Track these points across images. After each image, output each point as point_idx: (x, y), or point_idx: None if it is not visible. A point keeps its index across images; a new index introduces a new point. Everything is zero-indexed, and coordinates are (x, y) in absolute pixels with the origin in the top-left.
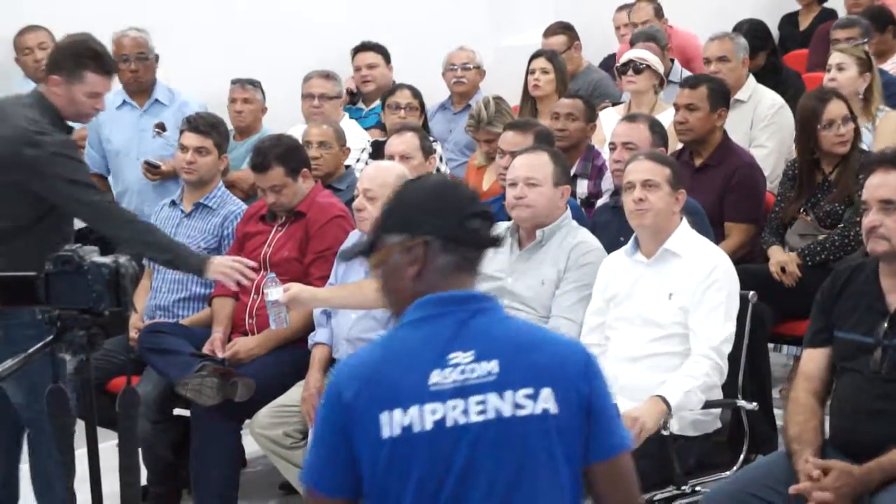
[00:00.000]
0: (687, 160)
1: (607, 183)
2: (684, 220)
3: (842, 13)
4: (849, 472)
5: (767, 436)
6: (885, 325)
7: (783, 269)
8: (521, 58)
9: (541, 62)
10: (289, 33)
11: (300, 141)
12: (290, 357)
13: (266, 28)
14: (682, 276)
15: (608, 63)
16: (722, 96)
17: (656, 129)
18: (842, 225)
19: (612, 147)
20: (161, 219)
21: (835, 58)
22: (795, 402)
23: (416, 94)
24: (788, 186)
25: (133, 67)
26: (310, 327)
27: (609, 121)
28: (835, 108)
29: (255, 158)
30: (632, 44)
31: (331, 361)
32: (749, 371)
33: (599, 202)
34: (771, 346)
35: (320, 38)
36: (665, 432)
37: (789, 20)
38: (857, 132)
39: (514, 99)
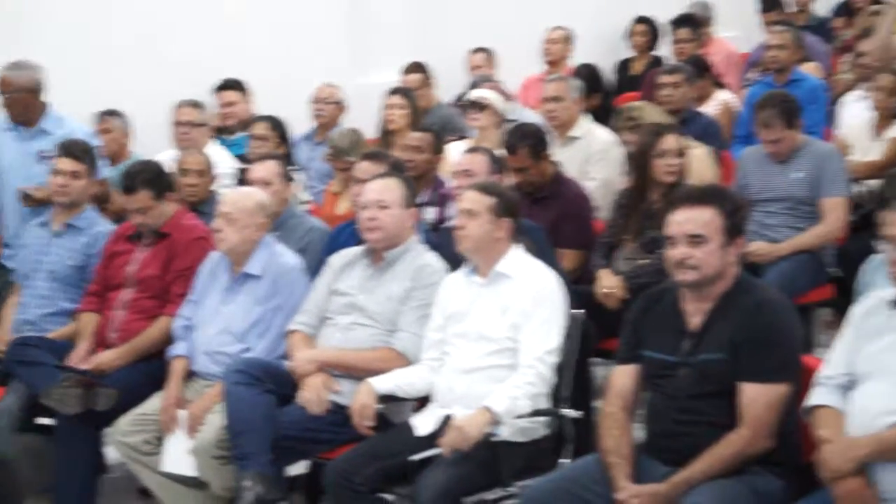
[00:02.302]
0: (526, 191)
1: (452, 210)
2: (516, 245)
3: (669, 60)
4: (655, 493)
5: (590, 442)
6: (688, 344)
7: (608, 294)
8: (380, 94)
9: (396, 98)
10: (162, 66)
11: (173, 167)
12: (151, 368)
13: (139, 61)
14: (513, 295)
15: (459, 101)
16: (539, 144)
17: (494, 159)
18: (661, 251)
19: (455, 176)
20: (31, 238)
21: None
22: (610, 416)
23: (275, 125)
24: (618, 214)
25: (4, 102)
26: (169, 340)
27: (457, 153)
28: (669, 141)
29: (123, 182)
30: (473, 86)
31: (189, 373)
32: (575, 383)
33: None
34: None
35: (191, 69)
36: (494, 439)
37: (623, 66)
38: (684, 169)
39: (372, 131)
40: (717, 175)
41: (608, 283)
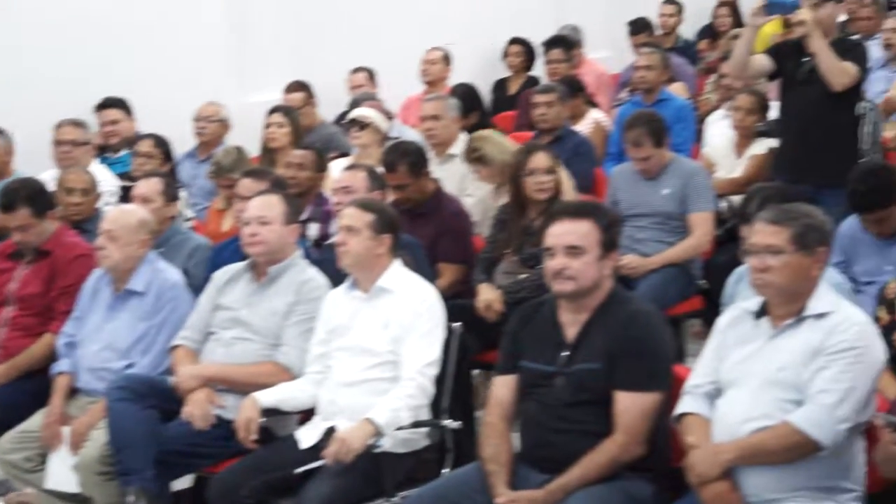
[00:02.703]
0: (406, 207)
1: (336, 226)
2: (397, 260)
3: (544, 80)
4: (533, 499)
5: (472, 452)
6: (565, 354)
7: (488, 307)
8: (264, 112)
9: (277, 117)
10: (45, 84)
11: (55, 185)
12: (34, 386)
13: (22, 79)
14: (394, 309)
15: (341, 119)
16: (418, 161)
17: (374, 175)
18: (540, 266)
19: (335, 193)
20: None
21: None
22: (490, 426)
23: (160, 143)
24: (498, 230)
25: None
26: (53, 357)
27: (339, 170)
28: (538, 160)
29: (2, 199)
30: (353, 105)
31: (73, 390)
32: (456, 394)
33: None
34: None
35: (74, 87)
36: (377, 450)
37: (500, 85)
38: (558, 185)
39: (257, 149)
40: (572, 187)
41: (488, 297)
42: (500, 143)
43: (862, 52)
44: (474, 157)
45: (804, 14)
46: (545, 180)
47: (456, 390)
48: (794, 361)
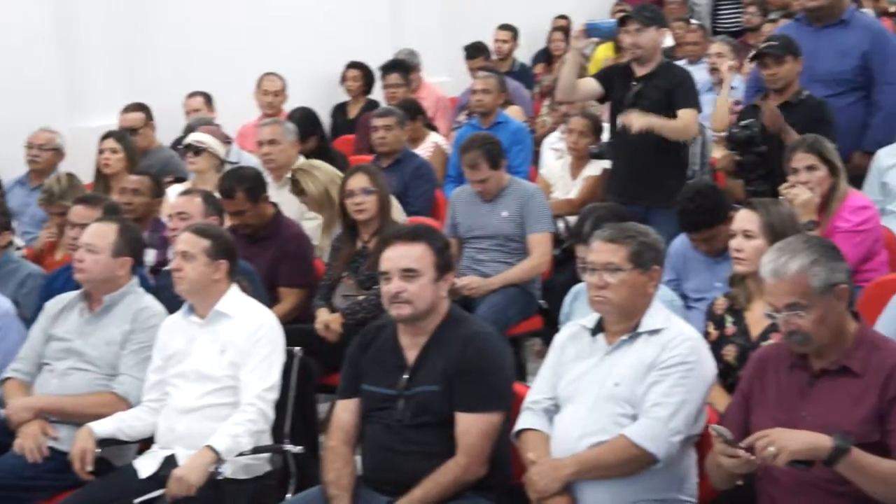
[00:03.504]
0: (245, 233)
1: (173, 252)
2: (234, 285)
3: (383, 104)
4: None
5: (317, 476)
6: (405, 377)
7: (327, 328)
8: (97, 138)
9: (110, 142)
10: None
11: None
12: None
13: None
14: (232, 334)
15: (178, 144)
16: (256, 187)
17: (210, 201)
18: (377, 286)
19: (170, 218)
20: None
21: None
22: (332, 450)
23: None
24: (335, 256)
25: None
26: None
27: (176, 196)
28: (355, 181)
29: None
30: (188, 130)
31: None
32: (300, 418)
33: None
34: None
35: None
36: (218, 477)
37: (340, 109)
38: (383, 206)
39: (90, 176)
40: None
41: (325, 318)
42: (319, 176)
43: (691, 84)
44: (297, 189)
45: (632, 119)
46: (361, 201)
47: (299, 414)
48: (629, 376)
